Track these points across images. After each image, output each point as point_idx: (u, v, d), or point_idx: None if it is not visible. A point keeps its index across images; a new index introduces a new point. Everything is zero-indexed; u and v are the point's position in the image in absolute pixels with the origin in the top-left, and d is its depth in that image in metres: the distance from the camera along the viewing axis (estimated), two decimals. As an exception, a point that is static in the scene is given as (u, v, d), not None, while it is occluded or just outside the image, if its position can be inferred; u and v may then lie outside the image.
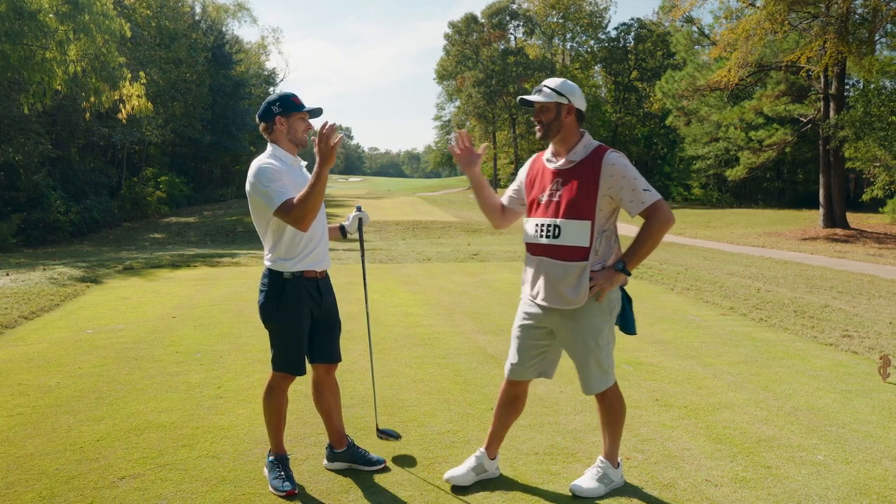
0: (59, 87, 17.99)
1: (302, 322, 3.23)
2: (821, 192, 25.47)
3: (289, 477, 3.22)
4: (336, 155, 2.90)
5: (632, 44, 56.06)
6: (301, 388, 4.68)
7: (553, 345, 3.25)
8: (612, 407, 3.24)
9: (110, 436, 3.84)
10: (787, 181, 42.78)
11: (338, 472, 3.42)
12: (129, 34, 19.23)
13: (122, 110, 19.16)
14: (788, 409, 4.33)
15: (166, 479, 3.30)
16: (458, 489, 3.22)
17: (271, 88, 60.69)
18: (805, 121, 27.22)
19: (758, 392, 4.69)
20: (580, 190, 3.02)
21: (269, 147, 3.23)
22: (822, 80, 25.11)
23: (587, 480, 3.22)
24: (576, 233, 3.02)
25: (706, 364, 5.41)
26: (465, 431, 3.93)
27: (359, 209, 3.67)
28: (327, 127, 2.85)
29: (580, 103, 3.11)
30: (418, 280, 9.87)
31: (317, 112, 3.27)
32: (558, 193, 3.09)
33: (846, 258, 16.79)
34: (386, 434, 3.71)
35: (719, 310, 7.81)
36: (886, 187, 24.26)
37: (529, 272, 3.24)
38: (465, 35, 56.69)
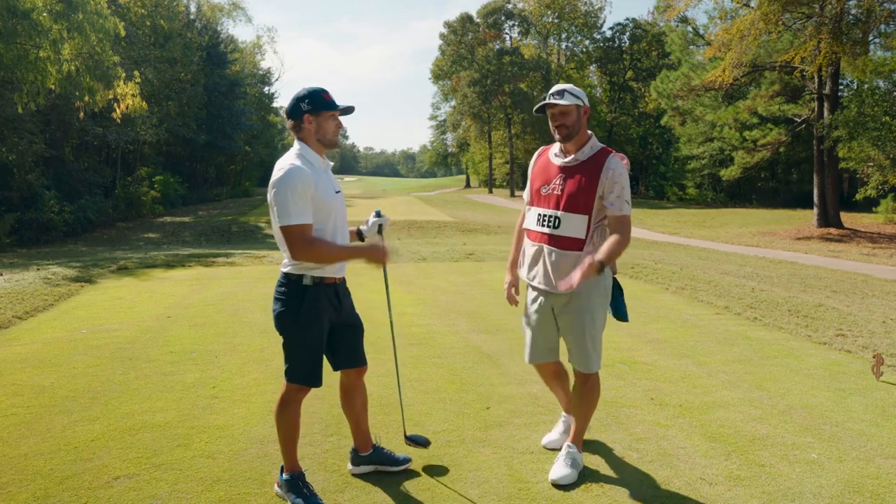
0: (53, 87, 17.92)
1: (322, 332, 3.06)
2: (815, 191, 25.58)
3: (313, 493, 3.07)
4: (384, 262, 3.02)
5: (627, 44, 56.16)
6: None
7: (558, 327, 3.47)
8: (592, 390, 3.44)
9: (105, 436, 3.83)
10: (782, 181, 42.95)
11: (363, 476, 3.33)
12: (123, 33, 19.16)
13: (117, 109, 19.11)
14: (782, 408, 4.35)
15: (161, 479, 3.30)
16: (454, 489, 3.23)
17: (266, 88, 60.64)
18: (799, 121, 27.34)
19: (752, 391, 4.71)
20: (581, 186, 3.26)
21: (297, 145, 3.02)
22: (816, 80, 25.21)
23: (562, 467, 3.34)
24: (574, 225, 3.27)
25: (701, 363, 5.43)
26: (461, 431, 3.94)
27: (378, 214, 3.45)
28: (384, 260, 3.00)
29: (587, 103, 3.37)
30: (413, 280, 9.87)
31: (349, 110, 3.07)
32: (560, 187, 3.32)
33: (840, 257, 16.86)
34: (414, 441, 3.52)
35: (714, 309, 7.83)
36: (880, 187, 24.37)
37: (528, 256, 3.47)
38: (461, 35, 56.67)
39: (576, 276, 3.02)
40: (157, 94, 33.14)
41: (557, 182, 3.34)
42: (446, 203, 41.39)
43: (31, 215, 22.39)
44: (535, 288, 3.45)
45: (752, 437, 3.85)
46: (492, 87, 52.63)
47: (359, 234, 3.46)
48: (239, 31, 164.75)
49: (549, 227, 3.32)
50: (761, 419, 4.15)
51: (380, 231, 3.47)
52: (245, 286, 9.35)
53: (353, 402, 3.33)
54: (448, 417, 4.16)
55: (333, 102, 3.03)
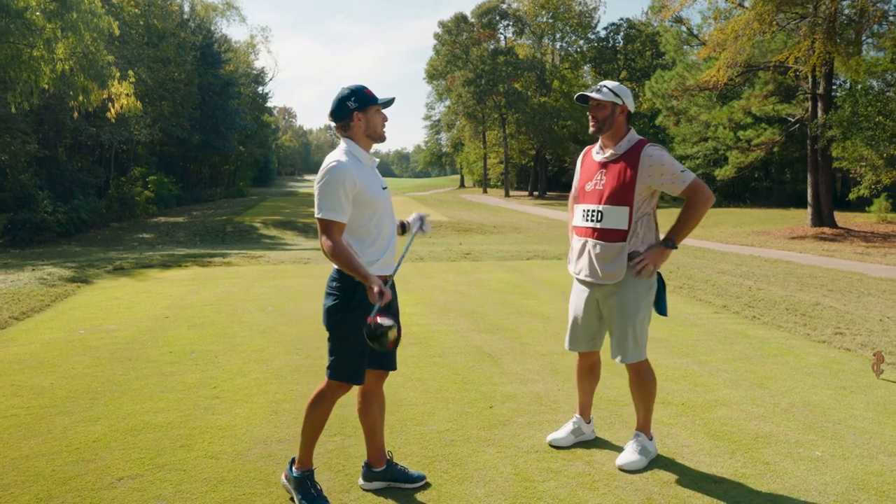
0: (47, 86, 17.81)
1: None
2: (808, 191, 25.66)
3: (320, 493, 3.07)
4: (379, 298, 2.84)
5: (621, 44, 56.26)
6: (298, 388, 4.66)
7: (602, 318, 3.59)
8: (644, 381, 3.55)
9: (107, 437, 3.80)
10: (775, 181, 43.09)
11: (374, 491, 3.20)
12: (117, 32, 19.04)
13: (111, 109, 18.99)
14: (784, 406, 4.36)
15: (165, 479, 3.28)
16: (460, 488, 3.22)
17: (260, 88, 60.50)
18: (793, 121, 27.42)
19: (753, 389, 4.72)
20: (620, 179, 3.40)
21: (344, 143, 3.06)
22: (810, 80, 25.29)
23: (629, 454, 3.46)
24: (616, 217, 3.40)
25: (701, 361, 5.44)
26: (464, 430, 3.93)
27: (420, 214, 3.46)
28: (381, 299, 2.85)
29: (631, 105, 3.46)
30: (411, 279, 9.86)
31: (391, 102, 3.11)
32: (602, 182, 3.47)
33: (834, 256, 16.93)
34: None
35: (712, 308, 7.85)
36: (873, 186, 24.46)
37: (575, 251, 3.62)
38: (455, 35, 56.67)
39: (646, 262, 3.33)
40: (150, 93, 33.00)
41: (599, 178, 3.49)
42: (441, 203, 41.38)
43: (24, 215, 22.27)
44: (581, 281, 3.59)
45: (756, 435, 3.86)
46: (486, 87, 52.60)
47: (401, 226, 3.42)
48: (233, 30, 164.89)
49: (593, 221, 3.47)
50: (764, 417, 4.16)
51: (421, 226, 3.42)
52: (243, 286, 9.32)
53: (370, 409, 3.24)
54: (451, 416, 4.15)
55: (376, 96, 3.06)
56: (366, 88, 3.05)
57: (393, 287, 3.17)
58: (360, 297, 2.97)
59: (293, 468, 3.11)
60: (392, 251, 3.14)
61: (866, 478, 3.33)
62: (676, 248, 3.39)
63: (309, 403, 3.12)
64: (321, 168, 2.96)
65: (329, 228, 2.90)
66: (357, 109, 3.02)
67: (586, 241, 3.50)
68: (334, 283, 3.03)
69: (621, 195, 3.38)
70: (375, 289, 2.83)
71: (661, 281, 3.55)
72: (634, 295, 3.42)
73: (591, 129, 3.50)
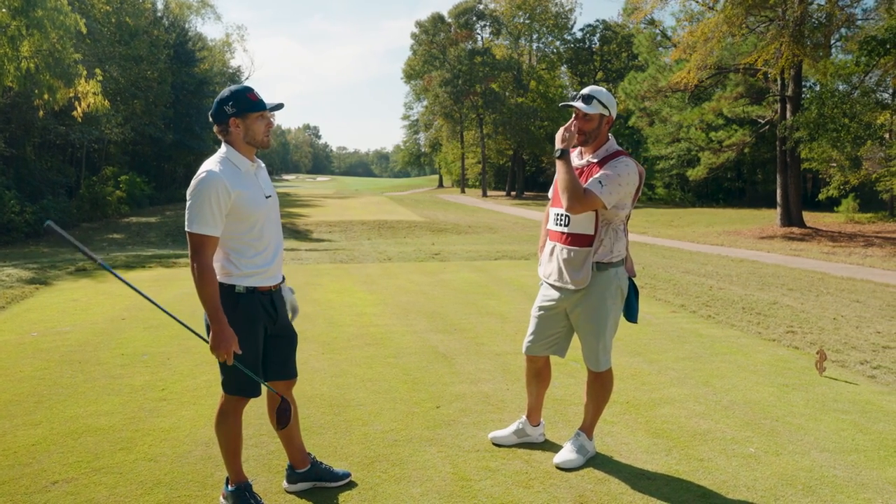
0: (12, 84, 17.50)
1: (258, 341, 2.95)
2: (778, 191, 26.05)
3: (259, 503, 3.02)
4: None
5: (597, 45, 56.69)
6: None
7: (568, 326, 3.59)
8: (603, 385, 3.58)
9: (46, 440, 3.77)
10: (748, 181, 43.77)
11: (298, 493, 3.20)
12: (84, 30, 18.76)
13: (78, 108, 18.71)
14: (726, 404, 4.45)
15: (100, 482, 3.26)
16: (396, 488, 3.24)
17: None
18: (763, 122, 27.84)
19: (698, 387, 4.80)
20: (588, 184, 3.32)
21: (224, 148, 2.88)
22: (779, 82, 25.68)
23: (567, 452, 3.52)
24: (582, 222, 3.38)
25: (652, 360, 5.51)
26: (409, 430, 3.95)
27: (291, 291, 3.21)
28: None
29: (615, 113, 3.43)
30: (377, 280, 9.85)
31: (278, 107, 2.91)
32: None
33: (801, 256, 17.22)
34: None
35: (670, 307, 7.95)
36: (842, 187, 24.90)
37: (545, 255, 3.60)
38: (432, 35, 56.74)
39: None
40: (122, 92, 32.60)
41: None
42: (418, 203, 41.38)
43: (-11, 216, 21.89)
44: (550, 285, 3.56)
45: (694, 433, 3.93)
46: (463, 88, 52.71)
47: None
48: (208, 28, 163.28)
49: (561, 225, 3.47)
50: (704, 415, 4.23)
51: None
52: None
53: None
54: (397, 417, 4.17)
55: (260, 102, 2.86)
56: (249, 92, 2.85)
57: (280, 294, 3.09)
58: (241, 308, 2.88)
59: (228, 485, 3.06)
60: (279, 259, 3.05)
61: (796, 473, 3.41)
62: (560, 156, 3.31)
63: (214, 424, 3.03)
64: (194, 178, 2.78)
65: (201, 244, 2.74)
66: (235, 115, 2.83)
67: (555, 246, 3.50)
68: None
69: None
70: (216, 339, 2.78)
71: (633, 288, 3.53)
72: (602, 302, 3.40)
73: (575, 141, 3.40)
